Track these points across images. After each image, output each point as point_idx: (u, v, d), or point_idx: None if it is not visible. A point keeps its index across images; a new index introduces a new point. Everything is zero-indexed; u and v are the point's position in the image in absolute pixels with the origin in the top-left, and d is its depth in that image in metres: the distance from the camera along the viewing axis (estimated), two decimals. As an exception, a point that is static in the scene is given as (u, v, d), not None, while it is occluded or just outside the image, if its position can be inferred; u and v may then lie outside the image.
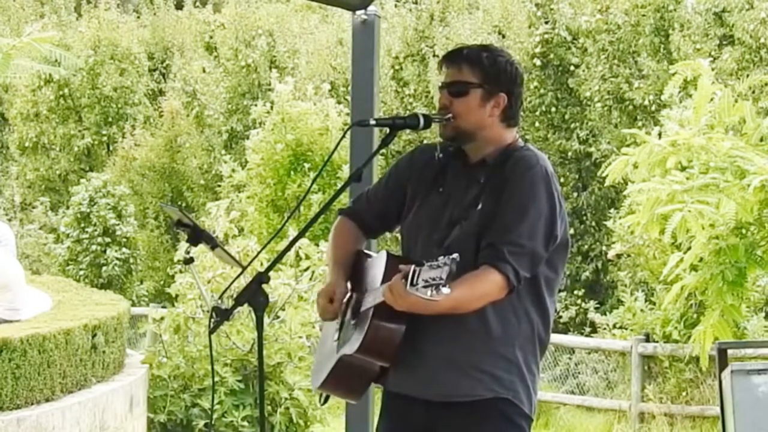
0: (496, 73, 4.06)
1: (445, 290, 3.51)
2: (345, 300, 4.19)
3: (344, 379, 4.11)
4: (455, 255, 3.54)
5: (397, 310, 3.82)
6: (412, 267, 3.64)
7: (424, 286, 3.54)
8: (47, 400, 9.70)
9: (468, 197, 4.02)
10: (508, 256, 3.86)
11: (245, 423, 11.40)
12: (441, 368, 3.98)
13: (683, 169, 9.11)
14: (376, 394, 5.26)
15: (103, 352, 10.77)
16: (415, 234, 4.13)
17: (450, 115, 4.06)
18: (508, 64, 4.10)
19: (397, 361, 3.98)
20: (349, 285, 4.22)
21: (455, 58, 4.12)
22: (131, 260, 21.28)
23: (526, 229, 3.89)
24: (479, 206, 3.98)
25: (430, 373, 3.99)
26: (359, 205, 4.39)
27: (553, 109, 20.50)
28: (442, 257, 3.55)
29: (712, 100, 9.28)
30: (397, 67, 22.52)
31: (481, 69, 4.05)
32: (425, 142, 21.39)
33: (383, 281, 3.94)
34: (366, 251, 4.32)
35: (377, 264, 4.11)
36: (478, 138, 4.07)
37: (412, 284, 3.60)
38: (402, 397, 4.09)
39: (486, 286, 3.86)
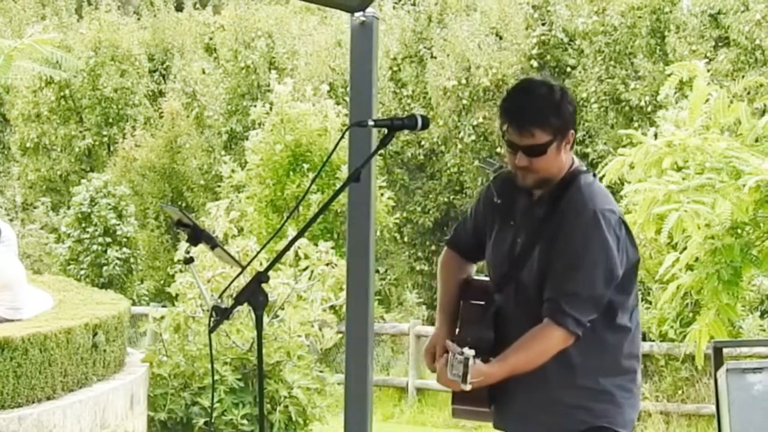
0: (565, 121, 4.14)
1: (466, 386, 3.84)
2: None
3: (465, 414, 4.36)
4: (470, 353, 3.81)
5: None
6: (449, 353, 3.90)
7: (459, 380, 3.85)
8: (48, 399, 9.73)
9: (530, 238, 4.15)
10: (567, 308, 4.00)
11: (245, 421, 11.44)
12: (532, 409, 4.16)
13: (679, 169, 9.12)
14: (375, 393, 5.31)
15: (104, 350, 10.80)
16: (493, 269, 4.30)
17: (499, 166, 4.22)
18: (568, 104, 4.16)
19: (496, 403, 4.19)
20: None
21: (524, 124, 4.11)
22: (132, 260, 21.30)
23: (582, 279, 4.03)
24: (534, 257, 4.11)
25: (524, 414, 4.18)
26: (457, 234, 4.53)
27: (551, 110, 20.54)
28: (463, 350, 3.84)
29: (707, 101, 9.29)
30: (395, 69, 22.56)
31: (552, 127, 4.11)
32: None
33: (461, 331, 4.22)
34: (476, 278, 4.45)
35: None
36: (557, 176, 4.18)
37: (453, 374, 3.88)
38: None
39: (545, 343, 4.03)
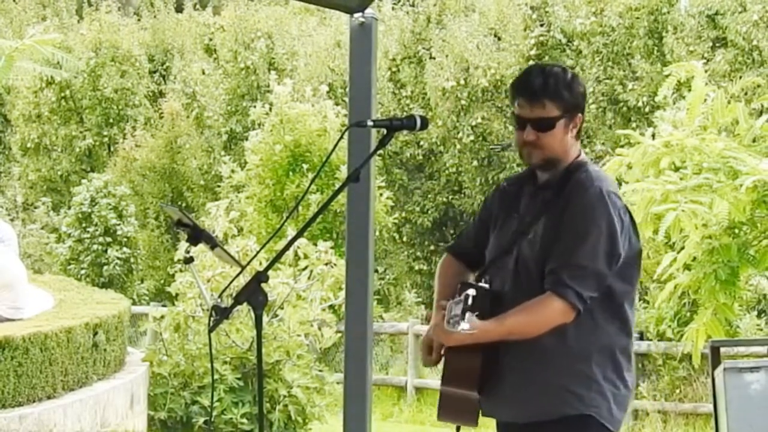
0: (575, 100, 4.17)
1: (463, 325, 3.76)
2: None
3: (452, 409, 4.23)
4: (470, 291, 3.78)
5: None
6: (448, 303, 3.83)
7: (454, 323, 3.78)
8: (49, 398, 9.80)
9: (533, 217, 4.15)
10: (569, 281, 3.98)
11: (244, 420, 11.48)
12: (523, 391, 4.10)
13: (677, 169, 9.14)
14: (374, 392, 5.34)
15: (104, 350, 10.86)
16: (493, 259, 4.25)
17: (510, 145, 4.22)
18: (579, 85, 4.21)
19: (485, 388, 4.11)
20: None
21: (536, 94, 4.13)
22: (132, 260, 21.36)
23: (585, 252, 4.01)
24: (537, 233, 4.10)
25: (515, 397, 4.12)
26: (459, 240, 4.54)
27: (549, 110, 20.60)
28: (461, 294, 3.80)
29: (705, 101, 9.32)
30: (394, 69, 22.60)
31: (563, 101, 4.13)
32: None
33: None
34: (472, 283, 4.35)
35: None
36: (563, 159, 4.18)
37: (448, 321, 3.80)
38: (498, 423, 4.26)
39: (545, 312, 4.00)
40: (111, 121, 25.60)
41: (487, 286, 4.10)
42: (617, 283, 4.07)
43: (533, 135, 4.12)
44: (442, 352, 4.18)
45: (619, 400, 4.10)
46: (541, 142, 4.12)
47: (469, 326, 3.79)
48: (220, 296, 10.75)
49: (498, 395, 4.13)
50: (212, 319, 3.95)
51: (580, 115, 4.17)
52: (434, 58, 21.99)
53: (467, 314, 3.79)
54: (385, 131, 4.19)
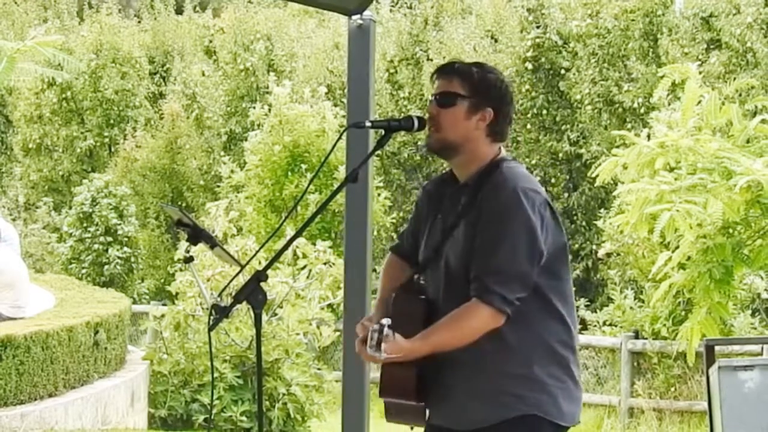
0: (486, 88, 4.14)
1: (380, 355, 3.78)
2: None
3: (398, 414, 4.22)
4: (385, 320, 3.77)
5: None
6: (370, 328, 3.82)
7: (375, 350, 3.78)
8: (50, 396, 9.85)
9: (453, 221, 4.12)
10: (493, 286, 3.93)
11: (244, 418, 11.54)
12: (466, 398, 4.07)
13: (671, 169, 9.18)
14: (372, 390, 5.38)
15: (105, 348, 10.92)
16: (425, 263, 4.23)
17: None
18: (498, 81, 4.18)
19: (426, 396, 4.10)
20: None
21: (447, 70, 4.20)
22: (132, 259, 21.41)
23: (506, 254, 3.95)
24: (458, 237, 4.08)
25: (457, 404, 4.09)
26: (400, 239, 4.49)
27: (545, 112, 20.68)
28: (381, 321, 3.80)
29: (699, 102, 9.36)
30: (392, 71, 22.67)
31: (471, 82, 4.13)
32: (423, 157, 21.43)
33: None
34: (401, 293, 4.31)
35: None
36: (464, 151, 4.14)
37: (370, 346, 3.80)
38: (438, 429, 4.20)
39: (471, 320, 3.94)
40: (112, 122, 25.66)
41: (387, 322, 3.90)
42: (543, 279, 4.03)
43: (434, 110, 4.13)
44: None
45: (567, 394, 4.08)
46: (440, 121, 4.12)
47: (385, 356, 3.79)
48: (219, 295, 10.83)
49: (442, 403, 4.11)
50: (212, 317, 3.95)
51: (490, 109, 4.13)
52: (431, 60, 22.04)
53: (382, 345, 3.77)
54: (383, 132, 4.22)
